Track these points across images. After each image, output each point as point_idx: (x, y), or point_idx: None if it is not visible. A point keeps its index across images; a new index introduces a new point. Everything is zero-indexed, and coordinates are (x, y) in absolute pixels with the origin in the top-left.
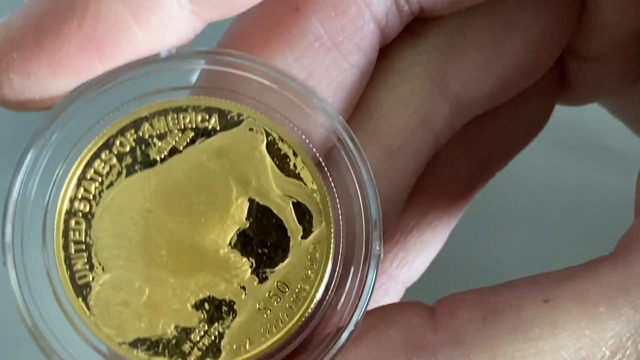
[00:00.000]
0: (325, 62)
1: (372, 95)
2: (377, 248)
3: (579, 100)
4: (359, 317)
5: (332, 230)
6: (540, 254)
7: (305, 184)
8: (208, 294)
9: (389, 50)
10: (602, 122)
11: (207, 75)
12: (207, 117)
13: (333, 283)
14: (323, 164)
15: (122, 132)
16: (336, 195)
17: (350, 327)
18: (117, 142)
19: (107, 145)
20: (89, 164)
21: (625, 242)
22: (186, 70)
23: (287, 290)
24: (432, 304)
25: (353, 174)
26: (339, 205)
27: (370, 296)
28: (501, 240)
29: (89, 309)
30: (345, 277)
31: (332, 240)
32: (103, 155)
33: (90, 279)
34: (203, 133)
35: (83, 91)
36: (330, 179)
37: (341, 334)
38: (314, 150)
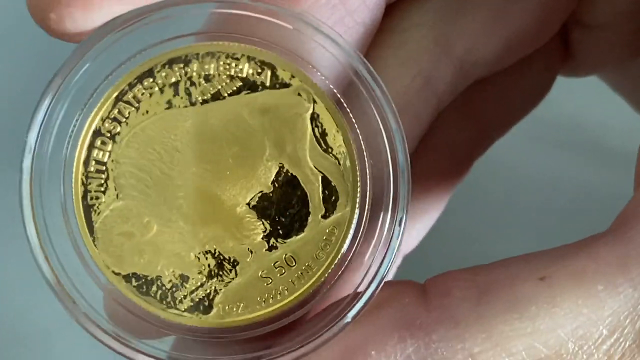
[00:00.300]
0: (332, 19)
1: (376, 55)
2: (397, 242)
3: (581, 72)
4: (361, 307)
5: (355, 217)
6: None
7: (340, 164)
8: (214, 247)
9: (394, 9)
10: (602, 122)
11: (259, 25)
12: (259, 71)
13: (342, 268)
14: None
15: (170, 63)
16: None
17: (348, 318)
18: (163, 73)
19: (152, 73)
20: (129, 87)
21: (622, 218)
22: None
23: (294, 264)
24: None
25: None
26: (368, 187)
27: (378, 289)
28: (501, 239)
29: (92, 231)
30: (356, 262)
31: (352, 228)
32: (145, 82)
33: (102, 201)
34: (250, 86)
35: (141, 14)
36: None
37: (339, 321)
38: (344, 102)
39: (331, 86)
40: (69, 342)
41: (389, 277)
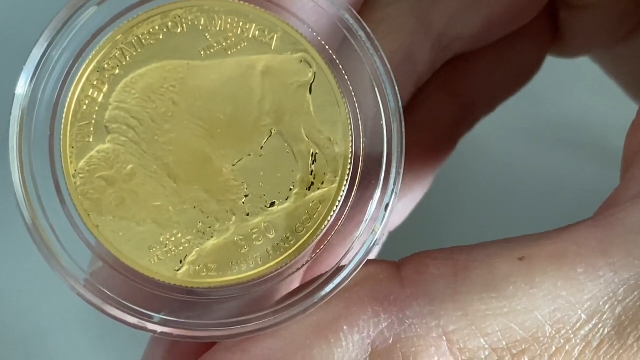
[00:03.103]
0: None
1: None
2: (383, 224)
3: (570, 52)
4: (338, 283)
5: (342, 194)
6: None
7: (333, 139)
8: (195, 206)
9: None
10: (602, 122)
11: None
12: (267, 34)
13: (324, 244)
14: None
15: (180, 13)
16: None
17: (324, 292)
18: (170, 22)
19: (160, 19)
20: (134, 30)
21: (606, 205)
22: None
23: (272, 234)
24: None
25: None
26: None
27: (359, 267)
28: (500, 238)
29: (75, 171)
30: (339, 239)
31: (338, 205)
32: (150, 27)
33: (90, 140)
34: (256, 47)
35: None
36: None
37: (314, 295)
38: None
39: (330, 52)
40: (69, 342)
41: (372, 256)
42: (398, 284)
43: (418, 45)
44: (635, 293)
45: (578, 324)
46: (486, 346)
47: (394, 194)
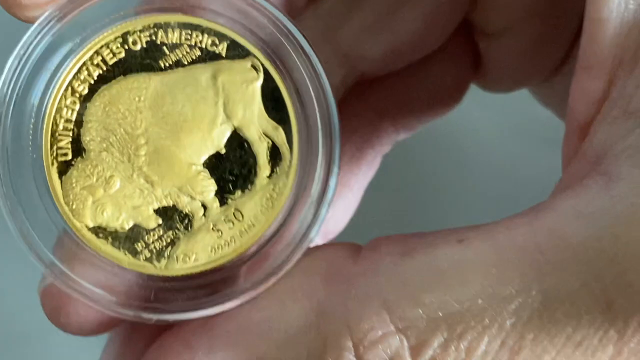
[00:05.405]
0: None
1: None
2: (329, 197)
3: (496, 85)
4: (295, 261)
5: (295, 177)
6: None
7: (283, 129)
8: (171, 203)
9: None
10: None
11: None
12: (218, 42)
13: (281, 226)
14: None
15: (140, 31)
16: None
17: (283, 270)
18: (131, 40)
19: (121, 39)
20: (99, 51)
21: (542, 204)
22: None
23: (241, 219)
24: None
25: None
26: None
27: (309, 242)
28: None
29: (59, 185)
30: (293, 217)
31: (293, 186)
32: (114, 47)
33: (69, 157)
34: (209, 55)
35: None
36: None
37: (274, 274)
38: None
39: (272, 52)
40: (69, 342)
41: (321, 229)
42: (352, 262)
43: (327, 62)
44: (559, 272)
45: (508, 299)
46: (424, 316)
47: (334, 174)
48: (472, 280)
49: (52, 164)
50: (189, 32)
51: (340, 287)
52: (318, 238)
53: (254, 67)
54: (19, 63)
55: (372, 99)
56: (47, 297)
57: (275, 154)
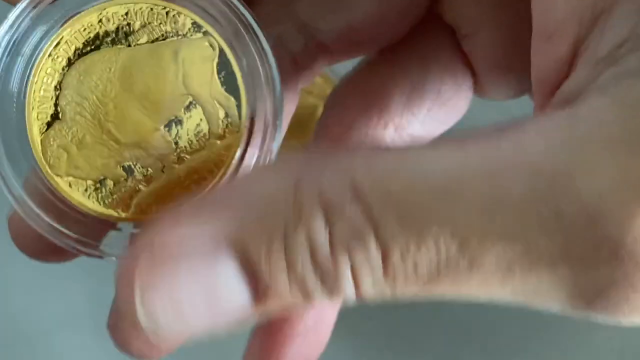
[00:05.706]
0: None
1: None
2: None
3: (493, 89)
4: None
5: (242, 141)
6: None
7: (234, 99)
8: (136, 162)
9: None
10: None
11: None
12: (181, 24)
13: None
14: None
15: (113, 10)
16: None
17: None
18: (105, 19)
19: (97, 18)
20: (76, 28)
21: None
22: None
23: (195, 175)
24: None
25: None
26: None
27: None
28: None
29: (40, 141)
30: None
31: (240, 148)
32: (90, 24)
33: (49, 118)
34: (172, 34)
35: None
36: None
37: None
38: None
39: (227, 33)
40: (69, 342)
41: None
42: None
43: (287, 31)
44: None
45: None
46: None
47: (276, 139)
48: (439, 176)
49: (34, 124)
50: (156, 14)
51: (318, 160)
52: None
53: (210, 45)
54: (9, 34)
55: (359, 84)
56: (12, 224)
57: (226, 121)
